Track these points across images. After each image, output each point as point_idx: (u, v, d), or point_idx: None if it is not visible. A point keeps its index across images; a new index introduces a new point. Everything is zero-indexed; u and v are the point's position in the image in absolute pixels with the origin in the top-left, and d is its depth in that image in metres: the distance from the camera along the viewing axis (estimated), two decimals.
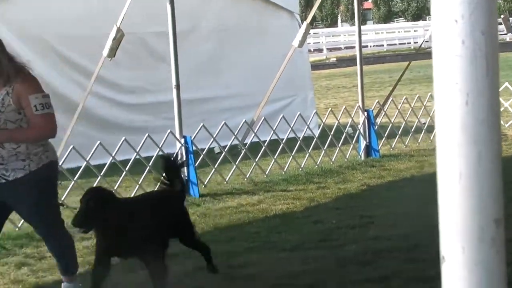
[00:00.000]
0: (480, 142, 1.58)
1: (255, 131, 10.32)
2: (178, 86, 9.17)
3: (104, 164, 8.70)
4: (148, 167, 8.95)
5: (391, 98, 12.11)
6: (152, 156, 9.11)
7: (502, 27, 13.63)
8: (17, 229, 7.53)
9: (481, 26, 1.57)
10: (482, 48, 1.57)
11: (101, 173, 8.51)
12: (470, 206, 1.58)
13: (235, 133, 9.94)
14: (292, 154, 10.32)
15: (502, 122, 13.27)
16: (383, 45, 44.98)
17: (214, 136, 9.61)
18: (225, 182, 9.59)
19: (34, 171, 5.22)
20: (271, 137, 10.34)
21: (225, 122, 9.89)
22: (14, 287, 5.95)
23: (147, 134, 9.04)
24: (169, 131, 9.20)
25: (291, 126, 10.48)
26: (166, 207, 5.69)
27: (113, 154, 8.64)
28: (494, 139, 1.60)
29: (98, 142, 8.60)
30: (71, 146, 8.50)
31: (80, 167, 8.59)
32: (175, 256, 6.54)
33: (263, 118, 10.58)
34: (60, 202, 6.05)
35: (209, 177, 9.50)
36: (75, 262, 5.69)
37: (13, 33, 10.86)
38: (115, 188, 8.56)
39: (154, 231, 5.40)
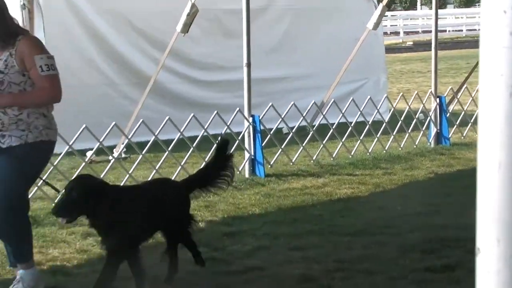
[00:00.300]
0: None
1: (323, 113, 10.26)
2: (249, 65, 9.16)
3: (172, 140, 8.78)
4: (215, 145, 8.99)
5: (465, 85, 11.87)
6: (219, 134, 9.15)
7: None
8: None
9: None
10: None
11: (169, 148, 8.59)
12: (508, 196, 1.54)
13: (304, 114, 9.89)
14: (360, 138, 10.23)
15: None
16: (462, 30, 44.09)
17: (282, 116, 9.58)
18: (291, 163, 9.58)
19: (30, 143, 4.96)
20: (339, 120, 10.26)
21: (294, 103, 9.85)
22: (79, 256, 6.06)
23: (215, 112, 9.08)
24: (237, 109, 9.22)
25: (361, 109, 10.37)
26: (161, 197, 5.28)
27: (181, 130, 8.70)
28: None
29: (167, 117, 8.68)
30: (141, 120, 8.59)
31: (149, 141, 8.68)
32: (235, 235, 6.61)
33: (332, 100, 10.50)
34: (44, 179, 5.65)
35: (275, 157, 9.50)
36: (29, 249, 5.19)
37: (91, 6, 11.04)
38: (182, 163, 8.65)
39: (138, 222, 5.05)
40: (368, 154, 10.18)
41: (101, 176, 7.94)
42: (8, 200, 4.94)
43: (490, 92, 1.53)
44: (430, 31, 13.37)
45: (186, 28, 9.92)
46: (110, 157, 8.42)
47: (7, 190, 4.95)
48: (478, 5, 67.75)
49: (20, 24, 10.13)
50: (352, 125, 10.24)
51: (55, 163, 7.79)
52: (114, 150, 9.40)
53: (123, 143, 9.55)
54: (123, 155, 9.75)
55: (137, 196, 5.19)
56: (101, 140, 8.14)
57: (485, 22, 1.54)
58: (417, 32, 43.30)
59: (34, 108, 4.97)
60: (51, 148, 5.17)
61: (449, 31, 44.32)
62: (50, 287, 5.31)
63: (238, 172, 9.04)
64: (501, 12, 1.51)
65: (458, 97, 11.74)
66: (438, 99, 11.02)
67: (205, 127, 8.90)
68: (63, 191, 5.02)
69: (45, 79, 4.91)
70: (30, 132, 4.96)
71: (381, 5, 11.36)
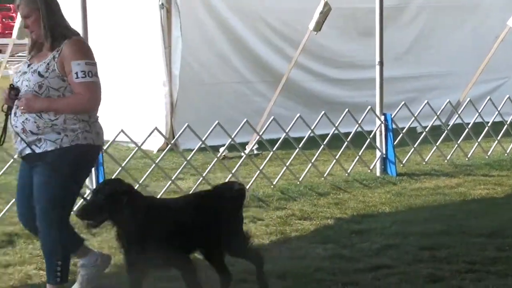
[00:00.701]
0: None
1: (459, 113, 10.01)
2: (381, 63, 9.07)
3: (303, 137, 8.79)
4: (346, 143, 8.95)
5: None
6: (350, 132, 9.10)
7: None
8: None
9: None
10: None
11: (299, 145, 8.62)
12: None
13: (438, 113, 9.68)
14: (498, 138, 9.91)
15: None
16: None
17: (415, 115, 9.42)
18: (424, 163, 9.40)
19: (65, 148, 4.72)
20: (475, 119, 9.97)
21: (427, 102, 9.67)
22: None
23: (346, 110, 9.03)
24: (369, 107, 9.14)
25: (499, 109, 10.05)
26: (204, 212, 4.86)
27: (312, 128, 8.71)
28: None
29: (298, 115, 8.71)
30: (272, 117, 8.66)
31: (280, 138, 8.73)
32: (363, 233, 6.55)
33: (468, 99, 10.23)
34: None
35: (407, 156, 9.35)
36: (58, 272, 4.84)
37: (226, 4, 11.23)
38: (313, 160, 8.66)
39: (171, 236, 4.62)
40: (505, 155, 9.86)
41: (233, 172, 8.09)
42: (43, 211, 4.76)
43: None
44: None
45: (318, 26, 9.93)
46: (242, 154, 8.53)
47: (41, 198, 4.76)
48: None
49: (158, 23, 10.56)
50: (489, 125, 9.94)
51: (188, 158, 7.96)
52: (246, 146, 9.53)
53: (254, 140, 9.66)
54: (255, 152, 9.87)
55: (170, 210, 4.80)
56: (233, 136, 8.26)
57: None
58: None
59: (71, 114, 4.75)
60: (91, 152, 4.87)
61: None
62: None
63: (369, 171, 8.97)
64: None
65: None
66: None
67: (336, 125, 8.87)
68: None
69: (79, 86, 4.71)
70: (65, 136, 4.73)
71: None
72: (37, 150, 4.72)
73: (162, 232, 4.58)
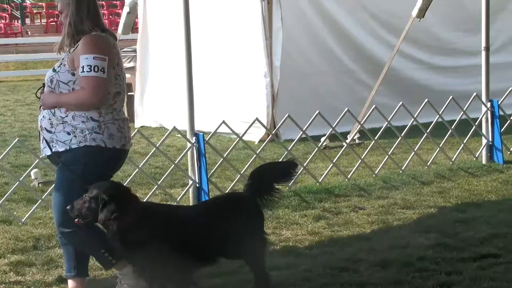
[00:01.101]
0: None
1: None
2: (487, 49, 8.82)
3: (405, 126, 8.66)
4: (450, 131, 8.77)
5: None
6: (455, 120, 8.90)
7: None
8: (317, 184, 7.82)
9: None
10: None
11: (402, 134, 8.50)
12: None
13: None
14: None
15: None
16: None
17: None
18: None
19: (74, 149, 4.60)
20: None
21: None
22: (311, 238, 6.17)
23: (451, 97, 8.84)
24: (474, 94, 8.92)
25: None
26: (209, 222, 4.68)
27: (414, 116, 8.57)
28: None
29: (400, 103, 8.58)
30: (373, 106, 8.58)
31: (382, 127, 8.62)
32: (468, 221, 6.40)
33: None
34: None
35: None
36: (75, 266, 4.84)
37: None
38: (416, 149, 8.52)
39: (168, 249, 4.42)
40: None
41: (334, 161, 8.05)
42: (56, 214, 4.73)
43: None
44: None
45: (421, 13, 9.74)
46: (344, 143, 8.48)
47: (55, 203, 4.73)
48: None
49: (259, 15, 10.60)
50: None
51: (289, 148, 7.99)
52: (348, 136, 9.47)
53: (356, 129, 9.59)
54: (356, 141, 9.79)
55: (169, 220, 4.58)
56: (334, 125, 8.22)
57: None
58: None
59: (79, 111, 4.62)
60: (103, 154, 4.65)
61: None
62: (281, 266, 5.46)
63: (474, 159, 8.76)
64: None
65: None
66: None
67: (440, 113, 8.70)
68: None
69: (83, 80, 4.55)
70: (74, 137, 4.61)
71: None
72: (53, 150, 4.65)
73: (154, 241, 4.40)
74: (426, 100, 8.70)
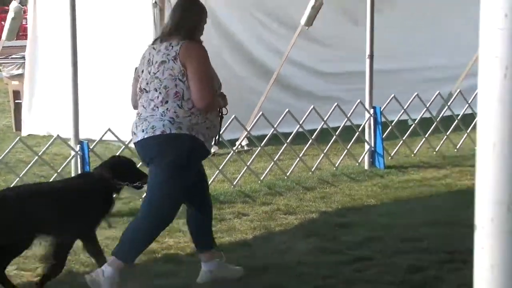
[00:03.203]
0: None
1: (448, 104, 10.04)
2: (371, 56, 9.10)
3: (291, 132, 8.83)
4: (334, 137, 9.00)
5: None
6: (339, 126, 9.14)
7: None
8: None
9: None
10: None
11: (287, 141, 8.67)
12: (502, 176, 1.53)
13: (427, 105, 9.72)
14: (468, 131, 9.95)
15: None
16: None
17: (405, 107, 9.46)
18: (412, 155, 9.44)
19: None
20: (465, 111, 10.01)
21: (417, 94, 9.70)
22: (193, 245, 6.21)
23: (335, 104, 9.07)
24: (358, 101, 9.18)
25: (469, 102, 10.09)
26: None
27: (300, 122, 8.75)
28: None
29: (287, 110, 8.75)
30: (260, 113, 8.71)
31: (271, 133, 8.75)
32: (347, 226, 6.60)
33: (458, 90, 10.27)
34: None
35: (396, 148, 9.40)
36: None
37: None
38: (301, 155, 8.71)
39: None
40: None
41: (220, 168, 8.13)
42: None
43: (486, 74, 1.53)
44: None
45: (310, 21, 9.95)
46: (231, 150, 8.57)
47: None
48: None
49: (151, 21, 10.58)
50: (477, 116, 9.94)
51: None
52: (236, 142, 9.58)
53: (243, 136, 9.72)
54: (245, 148, 9.92)
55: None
56: (221, 132, 8.26)
57: (483, 4, 1.54)
58: None
59: None
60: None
61: None
62: (162, 275, 5.50)
63: (357, 164, 9.02)
64: None
65: None
66: None
67: (325, 120, 8.91)
68: None
69: None
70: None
71: None
72: None
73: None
74: (312, 106, 8.90)
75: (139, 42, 10.85)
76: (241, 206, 7.40)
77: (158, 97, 4.94)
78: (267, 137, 8.67)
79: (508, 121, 1.51)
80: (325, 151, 8.91)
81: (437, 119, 9.87)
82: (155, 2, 10.63)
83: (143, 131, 4.95)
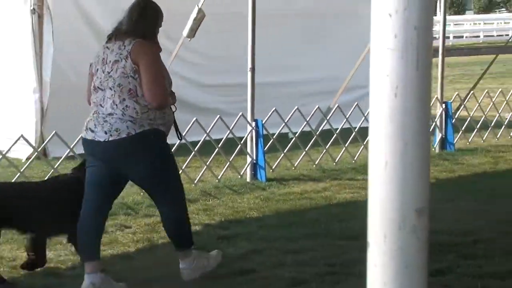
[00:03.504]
0: (406, 133, 1.61)
1: (327, 118, 10.28)
2: (253, 69, 9.21)
3: (174, 144, 8.81)
4: (217, 149, 9.05)
5: (472, 92, 11.86)
6: (222, 138, 9.21)
7: None
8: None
9: (414, 21, 1.58)
10: (413, 43, 1.57)
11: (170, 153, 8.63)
12: (394, 194, 1.58)
13: (307, 119, 9.92)
14: (364, 143, 10.24)
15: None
16: (479, 36, 43.88)
17: (285, 121, 9.63)
18: (293, 168, 9.61)
19: None
20: (343, 125, 10.29)
21: (297, 108, 9.88)
22: (74, 258, 6.10)
23: (218, 116, 9.13)
24: (240, 113, 9.27)
25: (365, 115, 10.39)
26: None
27: (183, 134, 8.74)
28: (421, 131, 1.62)
29: None
30: None
31: None
32: (230, 238, 6.65)
33: (336, 105, 10.53)
34: None
35: (277, 161, 9.54)
36: None
37: (99, 7, 11.09)
38: (183, 167, 8.71)
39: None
40: None
41: None
42: None
43: (377, 92, 1.57)
44: (447, 37, 13.42)
45: (192, 33, 9.99)
46: None
47: None
48: (499, 11, 67.54)
49: (29, 28, 10.34)
50: (355, 130, 10.25)
51: (55, 166, 7.85)
52: None
53: None
54: None
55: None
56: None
57: (374, 24, 1.59)
58: (434, 38, 43.14)
59: None
60: None
61: (466, 37, 44.13)
62: None
63: (239, 177, 9.10)
64: (386, 15, 1.55)
65: (465, 103, 11.73)
66: (444, 105, 11.02)
67: (207, 131, 8.96)
68: None
69: None
70: None
71: None
72: None
73: None
74: (195, 119, 8.92)
75: (18, 49, 10.61)
76: (123, 218, 7.32)
77: (113, 95, 5.19)
78: None
79: (400, 140, 1.57)
80: (207, 163, 8.95)
81: (317, 133, 10.08)
82: (33, 8, 10.41)
83: (105, 133, 5.18)
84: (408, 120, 1.54)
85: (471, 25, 47.90)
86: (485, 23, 47.73)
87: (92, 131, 5.24)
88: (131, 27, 5.28)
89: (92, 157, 5.36)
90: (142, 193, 8.13)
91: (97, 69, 5.32)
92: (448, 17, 49.92)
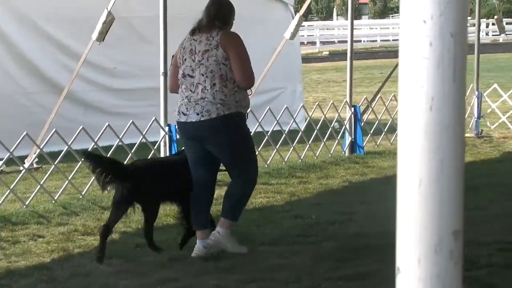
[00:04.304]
0: (443, 149, 1.48)
1: None
2: (166, 74, 9.07)
3: (87, 149, 8.59)
4: (130, 154, 8.86)
5: (379, 95, 12.07)
6: (135, 143, 9.03)
7: (495, 27, 14.13)
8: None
9: (450, 28, 1.47)
10: (450, 51, 1.46)
11: (82, 158, 8.41)
12: (429, 215, 1.48)
13: None
14: (277, 147, 10.26)
15: (488, 123, 13.32)
16: (376, 41, 44.90)
17: None
18: None
19: None
20: (256, 129, 10.25)
21: None
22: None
23: (131, 121, 8.95)
24: (153, 118, 9.12)
25: (277, 118, 10.40)
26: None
27: (95, 140, 8.54)
28: (457, 146, 1.49)
29: (81, 127, 8.51)
30: (54, 129, 8.41)
31: (63, 150, 8.48)
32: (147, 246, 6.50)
33: (249, 109, 10.46)
34: None
35: None
36: None
37: (4, 12, 10.74)
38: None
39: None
40: (284, 163, 10.22)
41: (11, 187, 7.74)
42: None
43: (410, 104, 1.46)
44: (346, 41, 13.64)
45: (102, 36, 9.74)
46: (21, 168, 8.19)
47: None
48: (392, 16, 69.31)
49: None
50: (268, 134, 10.25)
51: None
52: (26, 160, 9.16)
53: (34, 153, 9.32)
54: (34, 165, 9.51)
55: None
56: (11, 150, 7.91)
57: (405, 31, 1.47)
58: (333, 42, 43.91)
59: None
60: None
61: (364, 41, 45.06)
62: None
63: None
64: (421, 21, 1.45)
65: (373, 106, 11.92)
66: (353, 109, 11.17)
67: (120, 137, 8.77)
68: None
69: None
70: None
71: (298, 15, 11.45)
72: None
73: None
74: (107, 124, 8.72)
75: None
76: (35, 228, 7.07)
77: (205, 80, 5.98)
78: (62, 154, 8.37)
79: (436, 156, 1.46)
80: None
81: None
82: None
83: (197, 114, 6.01)
84: (445, 135, 1.43)
85: (368, 30, 48.98)
86: (381, 28, 48.90)
87: (185, 114, 6.09)
88: (212, 21, 6.10)
89: (186, 138, 6.25)
90: (53, 201, 7.90)
91: (185, 59, 6.11)
92: (344, 22, 50.97)
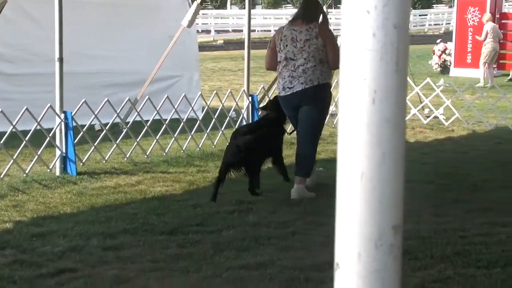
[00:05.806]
0: (385, 143, 1.44)
1: (138, 110, 10.10)
2: (61, 60, 8.85)
3: None
4: (24, 142, 8.61)
5: (276, 84, 12.15)
6: (29, 130, 8.77)
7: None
8: None
9: (394, 19, 1.42)
10: (393, 43, 1.42)
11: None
12: (370, 209, 1.44)
13: (118, 111, 9.70)
14: (175, 135, 10.18)
15: (443, 119, 13.11)
16: (270, 30, 45.18)
17: (95, 113, 9.34)
18: (104, 161, 9.36)
19: None
20: (154, 117, 10.16)
21: (108, 99, 9.63)
22: None
23: (25, 107, 8.69)
24: (48, 105, 8.87)
25: (175, 107, 10.32)
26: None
27: None
28: (399, 140, 1.46)
29: None
30: None
31: None
32: (45, 236, 6.34)
33: (147, 97, 10.38)
34: None
35: (87, 155, 9.25)
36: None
37: None
38: None
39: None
40: (182, 152, 10.16)
41: None
42: None
43: (351, 97, 1.42)
44: (240, 30, 13.66)
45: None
46: None
47: None
48: (285, 7, 69.94)
49: None
50: (166, 122, 10.16)
51: None
52: None
53: None
54: None
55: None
56: None
57: (347, 22, 1.41)
58: (227, 31, 43.92)
59: None
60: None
61: (258, 30, 45.27)
62: None
63: (48, 170, 8.72)
64: (364, 12, 1.41)
65: (269, 95, 11.99)
66: (250, 98, 11.20)
67: (14, 123, 8.49)
68: None
69: None
70: None
71: (195, 3, 11.39)
72: None
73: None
74: (0, 110, 8.44)
75: None
76: None
77: (306, 63, 7.65)
78: None
79: (378, 149, 1.41)
80: (14, 157, 8.49)
81: (127, 125, 9.88)
82: None
83: (302, 84, 7.66)
84: (387, 128, 1.40)
85: (262, 20, 49.24)
86: (275, 18, 49.25)
87: (290, 88, 7.70)
88: (310, 16, 7.71)
89: (288, 108, 7.82)
90: None
91: (286, 45, 7.69)
92: (239, 11, 50.99)
